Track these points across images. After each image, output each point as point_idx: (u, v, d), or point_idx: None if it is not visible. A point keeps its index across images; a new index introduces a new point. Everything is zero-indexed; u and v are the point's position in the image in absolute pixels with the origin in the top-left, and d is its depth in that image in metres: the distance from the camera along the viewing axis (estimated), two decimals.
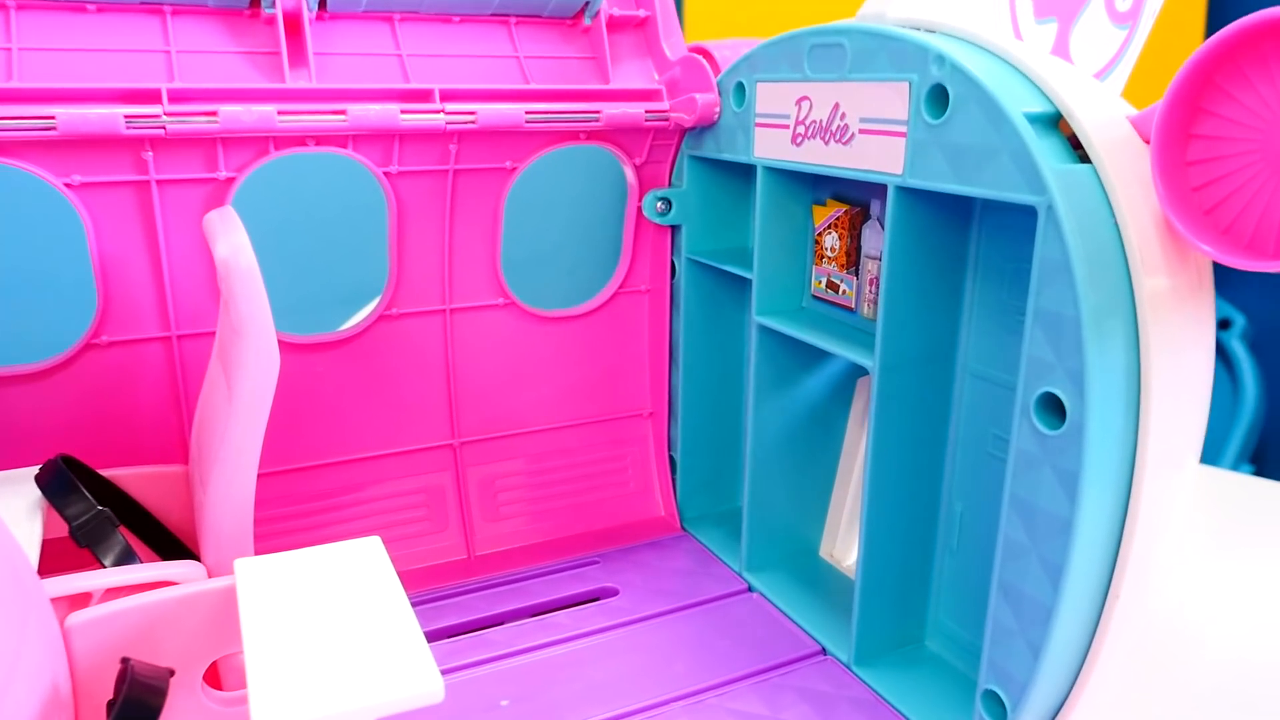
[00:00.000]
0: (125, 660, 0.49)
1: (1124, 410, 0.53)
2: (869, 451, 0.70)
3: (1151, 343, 0.52)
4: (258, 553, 0.83)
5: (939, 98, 0.59)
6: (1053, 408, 0.55)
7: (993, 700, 0.62)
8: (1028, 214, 0.54)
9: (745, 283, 0.94)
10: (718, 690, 0.73)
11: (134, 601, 0.57)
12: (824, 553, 0.91)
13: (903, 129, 0.62)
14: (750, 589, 0.87)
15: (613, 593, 0.86)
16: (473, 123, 0.78)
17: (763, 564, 0.88)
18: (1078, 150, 0.56)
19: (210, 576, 0.61)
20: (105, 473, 0.72)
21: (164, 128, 0.69)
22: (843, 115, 0.68)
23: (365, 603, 0.53)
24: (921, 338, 0.69)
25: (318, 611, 0.52)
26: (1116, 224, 0.53)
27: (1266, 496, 0.67)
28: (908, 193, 0.64)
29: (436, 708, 0.71)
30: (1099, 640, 0.58)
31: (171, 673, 0.50)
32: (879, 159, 0.65)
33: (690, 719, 0.69)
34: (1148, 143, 0.56)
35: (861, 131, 0.66)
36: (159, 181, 0.73)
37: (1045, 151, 0.54)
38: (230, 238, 0.59)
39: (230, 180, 0.75)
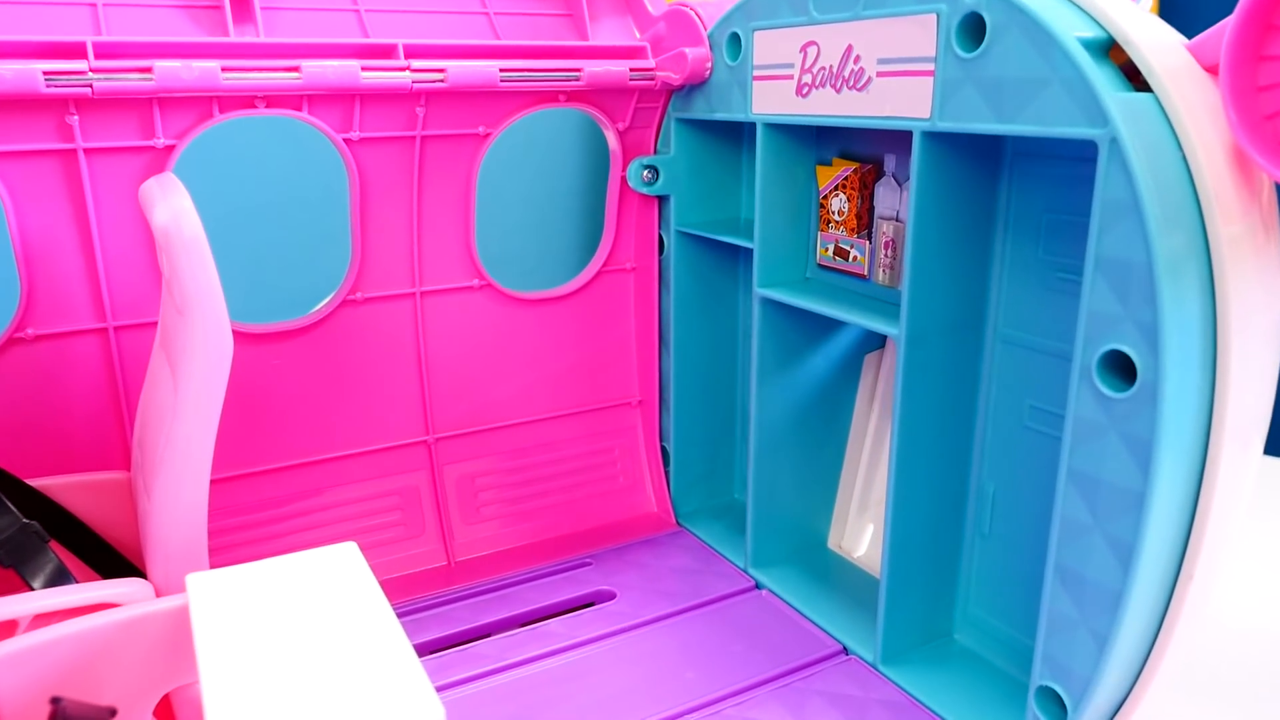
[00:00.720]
0: (55, 701, 0.41)
1: (1200, 368, 0.47)
2: (895, 430, 0.63)
3: (1230, 292, 0.47)
4: (212, 568, 0.75)
5: (973, 28, 0.53)
6: (1119, 368, 0.49)
7: (1049, 698, 0.56)
8: (1068, 159, 0.48)
9: (739, 257, 0.88)
10: (735, 699, 0.66)
11: (68, 629, 0.48)
12: (833, 544, 0.85)
13: (930, 67, 0.56)
14: (758, 586, 0.80)
15: (609, 596, 0.79)
16: (442, 81, 0.70)
17: (769, 559, 0.82)
18: (1132, 81, 0.50)
19: (158, 596, 0.53)
20: (34, 482, 0.64)
21: (90, 85, 0.60)
22: (856, 59, 0.61)
23: (343, 618, 0.45)
24: (950, 302, 0.62)
25: (287, 630, 0.44)
26: (1185, 158, 0.47)
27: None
28: (935, 140, 0.58)
29: None
30: (1168, 628, 0.52)
31: (112, 712, 0.42)
32: (901, 103, 0.58)
33: None
34: (1208, 70, 0.50)
35: (880, 74, 0.60)
36: (87, 150, 0.65)
37: (1103, 79, 0.48)
38: (170, 202, 0.51)
39: (169, 149, 0.67)
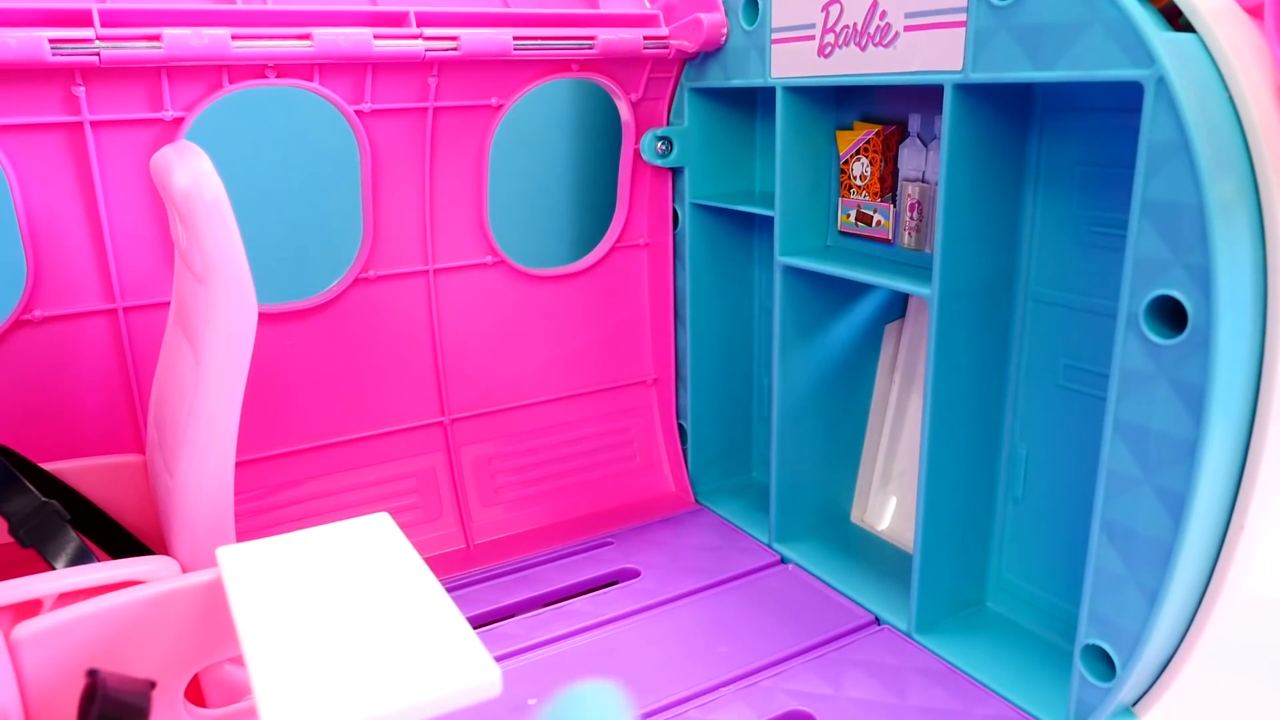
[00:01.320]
0: (93, 673, 0.39)
1: (1251, 312, 0.46)
2: (928, 394, 0.63)
3: None
4: None
5: None
6: (1168, 314, 0.48)
7: (1096, 657, 0.55)
8: (1101, 109, 0.47)
9: (755, 230, 0.87)
10: (771, 670, 0.65)
11: (95, 605, 0.47)
12: (855, 518, 0.84)
13: (961, 17, 0.55)
14: (783, 560, 0.79)
15: (634, 574, 0.78)
16: (455, 50, 0.69)
17: (793, 533, 0.81)
18: (1171, 24, 0.49)
19: (185, 573, 0.52)
20: (46, 467, 0.62)
21: (98, 54, 0.59)
22: (883, 14, 0.60)
23: (384, 584, 0.43)
24: (982, 261, 0.62)
25: (326, 599, 0.42)
26: (1231, 99, 0.46)
27: None
28: (967, 93, 0.57)
29: (456, 713, 0.62)
30: (1218, 580, 0.51)
31: (152, 685, 0.40)
32: (931, 56, 0.57)
33: (746, 704, 0.61)
34: (1250, 12, 0.49)
35: (908, 29, 0.59)
36: (94, 123, 0.63)
37: (1146, 19, 0.47)
38: (190, 165, 0.49)
39: (178, 121, 0.65)
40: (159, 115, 0.64)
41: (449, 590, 0.75)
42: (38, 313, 0.66)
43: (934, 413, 0.63)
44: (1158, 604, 0.50)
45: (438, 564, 0.79)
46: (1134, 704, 0.57)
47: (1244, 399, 0.48)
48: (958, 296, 0.61)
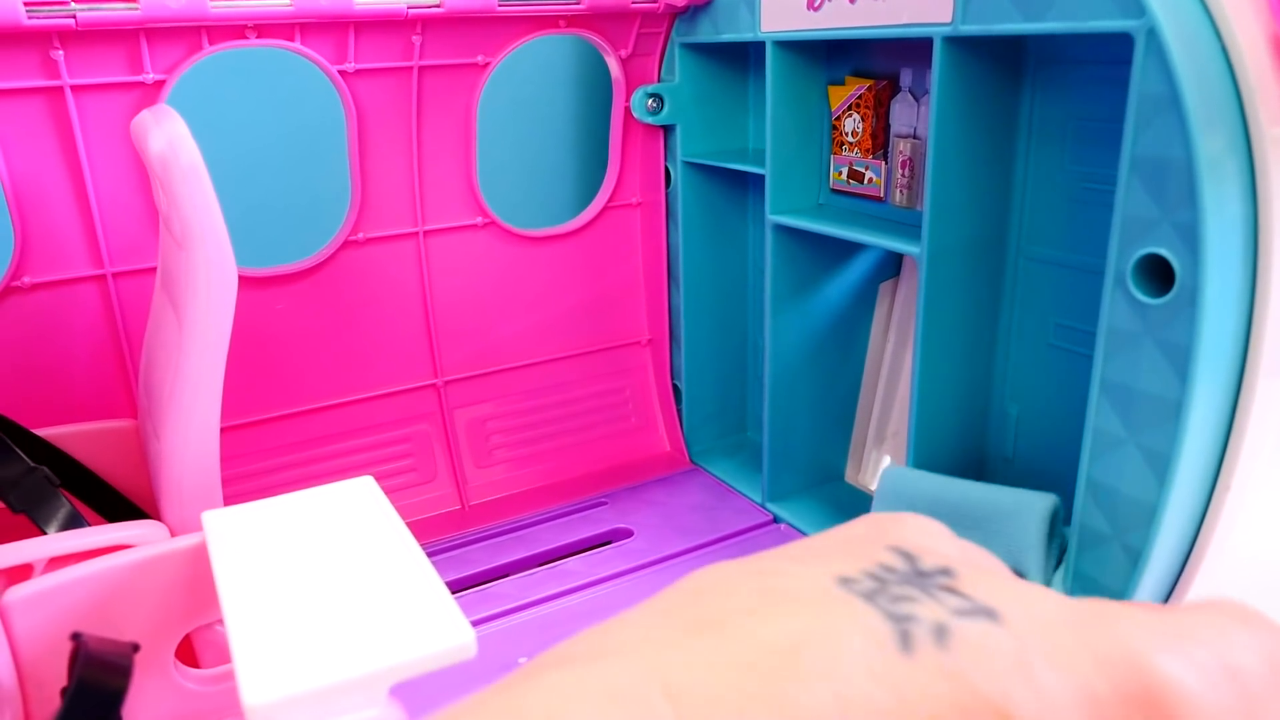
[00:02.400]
0: (76, 636, 0.40)
1: (1241, 271, 0.46)
2: (917, 354, 0.62)
3: (1273, 193, 0.45)
4: None
5: None
6: (1155, 272, 0.47)
7: None
8: (1094, 62, 0.46)
9: (749, 188, 0.86)
10: None
11: (84, 570, 0.47)
12: (849, 477, 0.84)
13: None
14: (776, 520, 0.79)
15: (626, 534, 0.78)
16: (439, 6, 0.68)
17: (786, 492, 0.81)
18: None
19: (173, 537, 0.52)
20: (39, 432, 0.62)
21: (74, 17, 0.58)
22: None
23: (365, 549, 0.44)
24: (973, 218, 0.61)
25: (308, 562, 0.43)
26: (1225, 50, 0.45)
27: None
28: (957, 46, 0.56)
29: (442, 674, 0.62)
30: (1203, 541, 0.51)
31: (136, 647, 0.41)
32: (920, 8, 0.56)
33: None
34: None
35: None
36: (74, 87, 0.62)
37: None
38: (165, 129, 0.49)
39: (159, 84, 0.64)
40: (139, 78, 0.64)
41: (443, 551, 0.76)
42: (26, 279, 0.66)
43: (923, 372, 0.63)
44: (1141, 564, 0.50)
45: (433, 525, 0.80)
46: None
47: (1232, 359, 0.47)
48: (947, 255, 0.60)
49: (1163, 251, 0.46)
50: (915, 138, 0.66)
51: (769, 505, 0.80)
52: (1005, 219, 0.62)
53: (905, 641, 0.14)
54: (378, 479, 0.80)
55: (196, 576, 0.49)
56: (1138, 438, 0.49)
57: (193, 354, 0.50)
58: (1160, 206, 0.46)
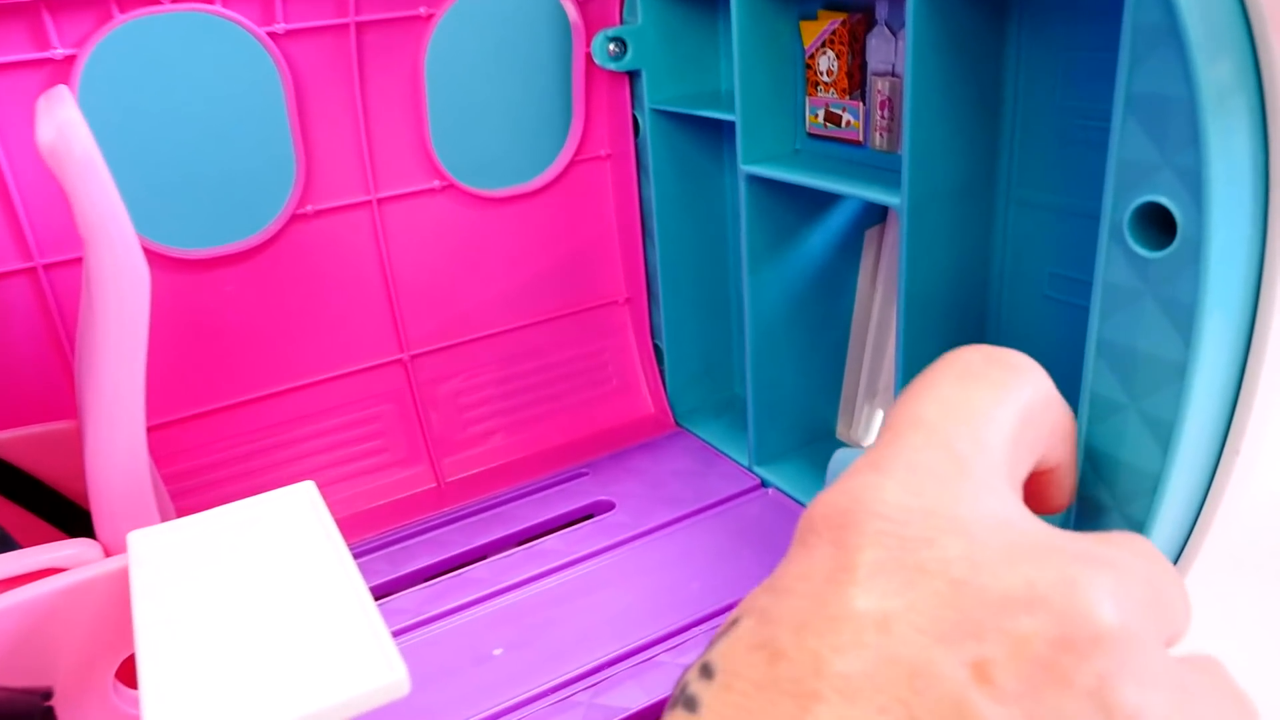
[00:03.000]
0: None
1: (1250, 220, 0.41)
2: (901, 310, 0.58)
3: None
4: (191, 509, 0.71)
5: None
6: (1155, 223, 0.42)
7: None
8: None
9: (724, 134, 0.80)
10: None
11: (8, 600, 0.44)
12: (841, 434, 0.81)
13: None
14: (764, 484, 0.76)
15: (608, 506, 0.75)
16: None
17: (774, 455, 0.77)
18: None
19: (107, 554, 0.49)
20: None
21: None
22: None
23: (297, 572, 0.40)
24: (957, 163, 0.56)
25: (233, 590, 0.40)
26: None
27: None
28: None
29: (416, 668, 0.60)
30: (1209, 511, 0.47)
31: (44, 694, 0.38)
32: None
33: None
34: None
35: None
36: None
37: None
38: (55, 117, 0.44)
39: (70, 59, 0.60)
40: (48, 54, 0.59)
41: (419, 534, 0.73)
42: None
43: (907, 331, 0.59)
44: (1144, 535, 0.46)
45: (408, 506, 0.77)
46: None
47: (1240, 317, 0.43)
48: (929, 204, 0.56)
49: (1163, 200, 0.41)
50: (894, 75, 0.60)
51: (756, 469, 0.77)
52: (993, 162, 0.57)
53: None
54: (348, 461, 0.78)
55: (128, 600, 0.46)
56: (1139, 403, 0.45)
57: (109, 360, 0.46)
58: (1159, 150, 0.41)
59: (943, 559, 0.23)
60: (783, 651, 0.21)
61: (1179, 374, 0.43)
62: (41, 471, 0.62)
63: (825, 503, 0.25)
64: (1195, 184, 0.40)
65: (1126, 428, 0.46)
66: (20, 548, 0.50)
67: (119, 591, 0.46)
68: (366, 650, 0.35)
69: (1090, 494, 0.49)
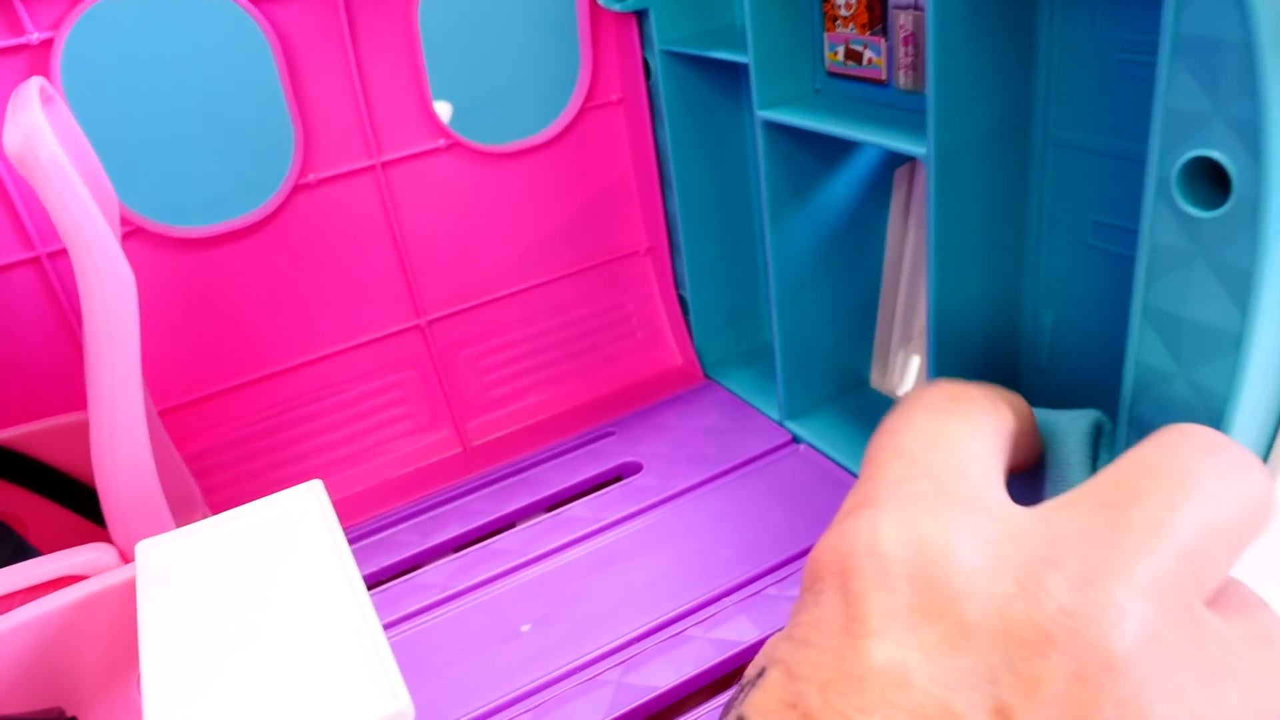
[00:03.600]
0: None
1: None
2: (931, 263, 0.54)
3: None
4: (215, 490, 0.71)
5: None
6: (1207, 178, 0.38)
7: None
8: None
9: (740, 71, 0.76)
10: (775, 573, 0.61)
11: (23, 616, 0.44)
12: (875, 383, 0.78)
13: None
14: (795, 440, 0.74)
15: (635, 468, 0.73)
16: None
17: (805, 408, 0.75)
18: None
19: (123, 558, 0.49)
20: None
21: None
22: None
23: (302, 587, 0.39)
24: (988, 104, 0.51)
25: (238, 607, 0.39)
26: None
27: None
28: None
29: (444, 646, 0.60)
30: None
31: (59, 717, 0.38)
32: None
33: (748, 617, 0.58)
34: None
35: None
36: None
37: None
38: (19, 121, 0.42)
39: (47, 43, 0.57)
40: (23, 40, 0.56)
41: (445, 503, 0.73)
42: None
43: (939, 285, 0.55)
44: None
45: (434, 473, 0.76)
46: None
47: None
48: (958, 151, 0.51)
49: (1215, 154, 0.37)
50: (917, 9, 0.55)
51: (787, 423, 0.75)
52: (1029, 100, 0.52)
53: None
54: (373, 431, 0.77)
55: None
56: (1188, 373, 0.42)
57: (102, 367, 0.45)
58: (1211, 98, 0.36)
59: (948, 597, 0.23)
60: (813, 713, 0.22)
61: (1233, 344, 0.39)
62: (63, 462, 0.62)
63: (826, 548, 0.27)
64: (1252, 136, 0.36)
65: (1174, 398, 0.43)
66: (39, 552, 0.50)
67: (131, 600, 0.45)
68: (370, 677, 0.34)
69: None
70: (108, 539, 0.50)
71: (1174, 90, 0.38)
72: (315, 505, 0.44)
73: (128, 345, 0.45)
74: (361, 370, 0.76)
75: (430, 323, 0.77)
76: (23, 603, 0.44)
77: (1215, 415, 0.41)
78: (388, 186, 0.72)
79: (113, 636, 0.46)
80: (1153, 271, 0.41)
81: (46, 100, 0.46)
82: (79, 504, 0.62)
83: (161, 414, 0.67)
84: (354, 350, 0.75)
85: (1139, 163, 0.48)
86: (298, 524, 0.43)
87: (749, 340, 0.87)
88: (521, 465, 0.75)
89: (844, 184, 0.69)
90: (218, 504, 0.69)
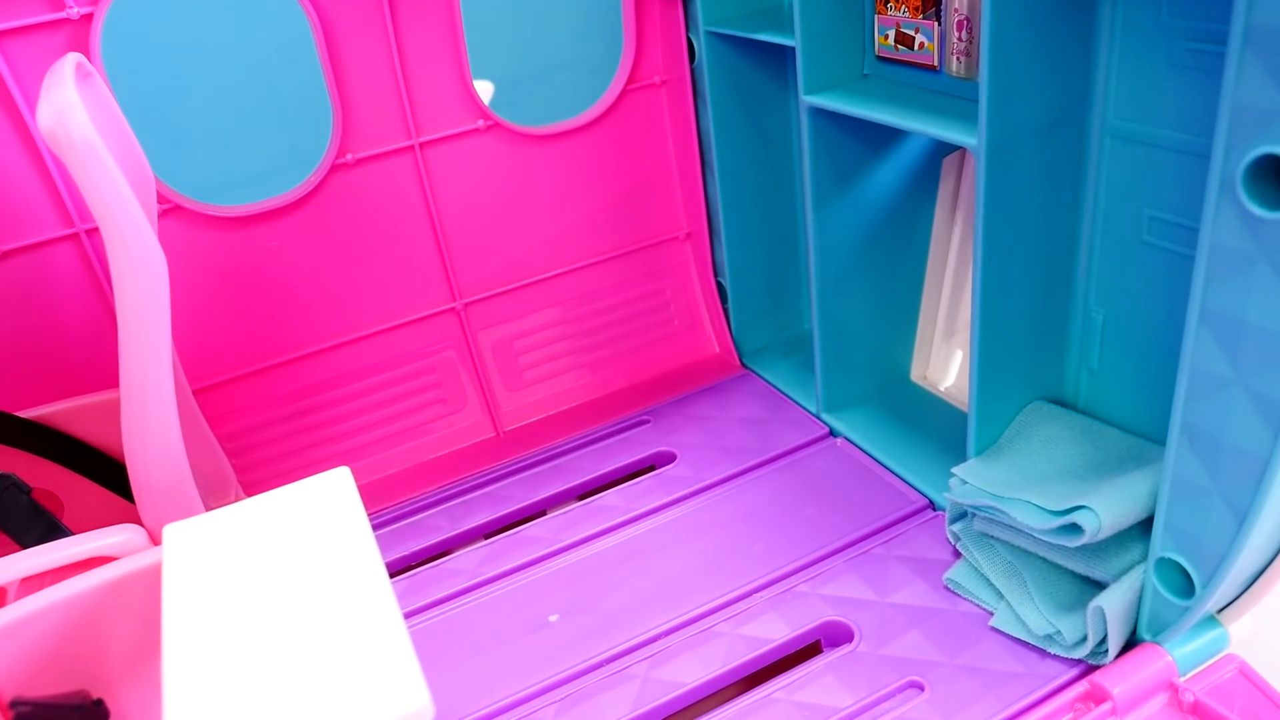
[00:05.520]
0: (14, 705, 0.37)
1: None
2: (979, 255, 0.52)
3: None
4: (248, 469, 0.71)
5: None
6: (1275, 177, 0.36)
7: (1174, 571, 0.47)
8: None
9: (786, 53, 0.74)
10: (806, 571, 0.60)
11: (53, 596, 0.44)
12: (916, 376, 0.76)
13: None
14: (832, 433, 0.72)
15: (669, 458, 0.72)
16: None
17: (844, 400, 0.73)
18: None
19: (152, 540, 0.49)
20: (34, 412, 0.59)
21: None
22: None
23: (326, 578, 0.39)
24: (1044, 92, 0.49)
25: (262, 597, 0.39)
26: None
27: None
28: None
29: (470, 634, 0.59)
30: None
31: (83, 701, 0.38)
32: None
33: (779, 614, 0.57)
34: None
35: None
36: None
37: None
38: (53, 100, 0.41)
39: (87, 19, 0.57)
40: (63, 14, 0.56)
41: (478, 488, 0.72)
42: None
43: (986, 279, 0.53)
44: (1247, 524, 0.42)
45: (467, 457, 0.76)
46: (1220, 611, 0.49)
47: None
48: (1011, 141, 0.49)
49: None
50: None
51: (824, 416, 0.73)
52: (1087, 89, 0.50)
53: None
54: (405, 415, 0.77)
55: None
56: (1247, 380, 0.40)
57: (131, 350, 0.45)
58: None
59: None
60: None
61: None
62: (98, 439, 0.62)
63: None
64: None
65: (1231, 405, 0.41)
66: (70, 532, 0.51)
67: (159, 583, 0.45)
68: (392, 674, 0.34)
69: (1186, 473, 0.44)
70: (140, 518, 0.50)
71: (1244, 83, 0.35)
72: (342, 493, 0.44)
73: (158, 328, 0.45)
74: (396, 352, 0.76)
75: (466, 305, 0.77)
76: (52, 583, 0.44)
77: (1275, 426, 0.39)
78: (426, 167, 0.71)
79: (139, 619, 0.46)
80: (1212, 273, 0.39)
81: (83, 77, 0.46)
82: (114, 481, 0.62)
83: (196, 393, 0.67)
84: (389, 332, 0.75)
85: (1201, 157, 0.45)
86: (323, 512, 0.43)
87: (788, 330, 0.85)
88: (554, 452, 0.75)
89: (890, 172, 0.67)
90: (250, 483, 0.69)
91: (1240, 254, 0.38)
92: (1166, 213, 0.49)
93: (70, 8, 0.56)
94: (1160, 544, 0.47)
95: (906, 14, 0.58)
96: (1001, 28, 0.47)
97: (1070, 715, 0.48)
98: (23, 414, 0.58)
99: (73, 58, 0.47)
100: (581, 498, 0.71)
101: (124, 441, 0.47)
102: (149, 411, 0.46)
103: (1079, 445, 0.55)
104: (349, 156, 0.68)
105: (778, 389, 0.78)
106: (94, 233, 0.63)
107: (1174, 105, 0.47)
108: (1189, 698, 0.47)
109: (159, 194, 0.63)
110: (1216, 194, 0.38)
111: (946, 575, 0.57)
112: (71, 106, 0.41)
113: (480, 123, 0.72)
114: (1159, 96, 0.48)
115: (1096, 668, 0.50)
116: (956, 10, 0.54)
